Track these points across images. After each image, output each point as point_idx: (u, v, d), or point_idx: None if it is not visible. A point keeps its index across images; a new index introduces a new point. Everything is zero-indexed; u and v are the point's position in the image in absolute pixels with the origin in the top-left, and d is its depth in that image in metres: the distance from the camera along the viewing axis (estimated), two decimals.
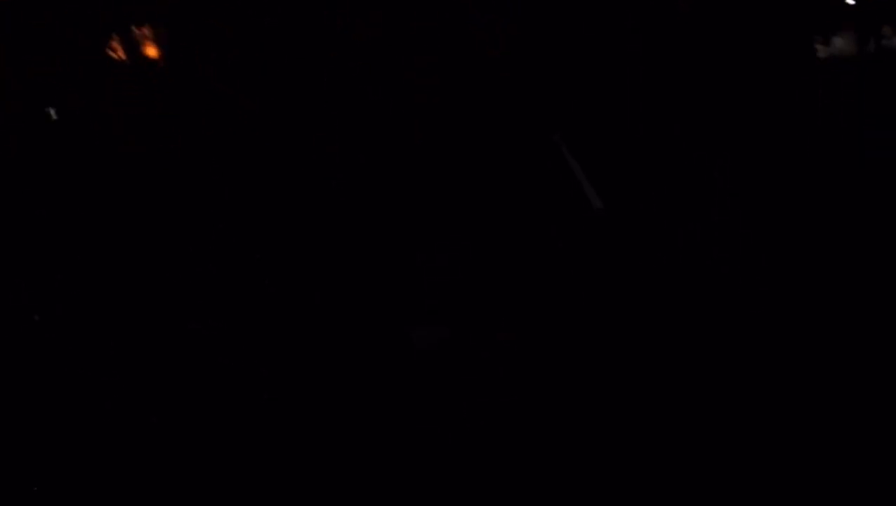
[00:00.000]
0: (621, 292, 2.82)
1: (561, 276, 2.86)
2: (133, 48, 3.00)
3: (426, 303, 2.83)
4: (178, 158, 2.99)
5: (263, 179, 2.98)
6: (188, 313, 2.81)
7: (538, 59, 3.07)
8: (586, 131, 3.00)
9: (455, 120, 3.03)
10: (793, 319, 2.72)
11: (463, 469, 2.55)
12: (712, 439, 2.54)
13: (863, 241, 2.82)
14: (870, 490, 2.41)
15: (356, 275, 2.88)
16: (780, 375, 2.64)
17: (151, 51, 3.01)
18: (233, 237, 2.91)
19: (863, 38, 2.98)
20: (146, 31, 2.98)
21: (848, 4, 2.98)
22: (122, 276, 2.87)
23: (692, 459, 2.51)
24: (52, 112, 2.94)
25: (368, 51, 3.07)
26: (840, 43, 2.97)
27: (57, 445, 2.64)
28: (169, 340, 2.77)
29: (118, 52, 2.97)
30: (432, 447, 2.59)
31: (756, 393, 2.61)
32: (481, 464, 2.55)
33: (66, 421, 2.67)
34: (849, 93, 2.96)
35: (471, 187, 2.97)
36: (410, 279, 2.85)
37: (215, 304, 2.82)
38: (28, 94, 3.03)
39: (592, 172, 2.92)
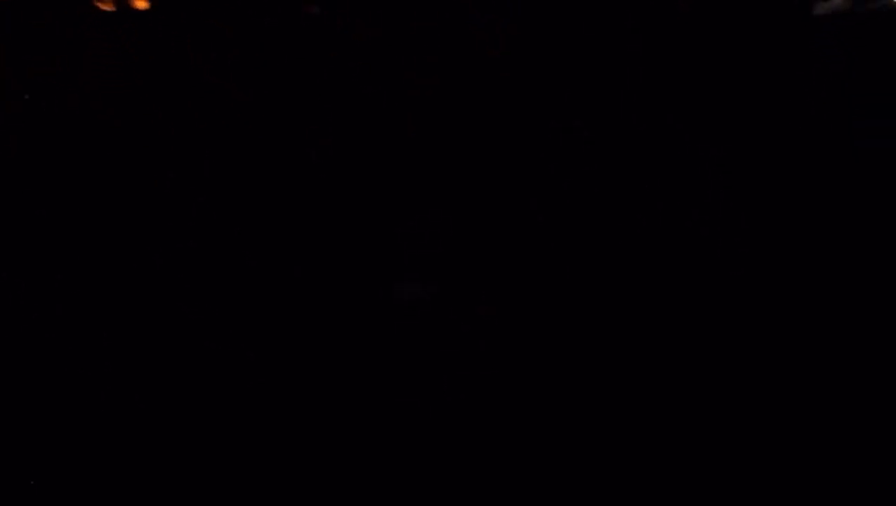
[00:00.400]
0: (602, 261, 2.82)
1: (542, 249, 2.86)
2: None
3: (406, 277, 2.83)
4: (158, 133, 2.99)
5: (244, 153, 2.99)
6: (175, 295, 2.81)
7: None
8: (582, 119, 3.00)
9: (451, 114, 3.03)
10: (772, 279, 2.73)
11: (436, 433, 2.56)
12: (698, 408, 2.54)
13: (845, 205, 2.82)
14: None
15: (336, 248, 2.89)
16: (760, 331, 2.64)
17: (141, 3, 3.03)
18: (214, 213, 2.91)
19: None
20: None
21: None
22: (107, 264, 2.88)
23: (681, 442, 2.50)
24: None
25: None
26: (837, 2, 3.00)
27: (50, 439, 2.63)
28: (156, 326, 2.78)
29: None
30: (411, 410, 2.59)
31: (738, 353, 2.60)
32: (455, 430, 2.56)
33: (57, 413, 2.67)
34: (839, 75, 2.97)
35: (454, 164, 2.97)
36: (390, 253, 2.86)
37: (201, 283, 2.82)
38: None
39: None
